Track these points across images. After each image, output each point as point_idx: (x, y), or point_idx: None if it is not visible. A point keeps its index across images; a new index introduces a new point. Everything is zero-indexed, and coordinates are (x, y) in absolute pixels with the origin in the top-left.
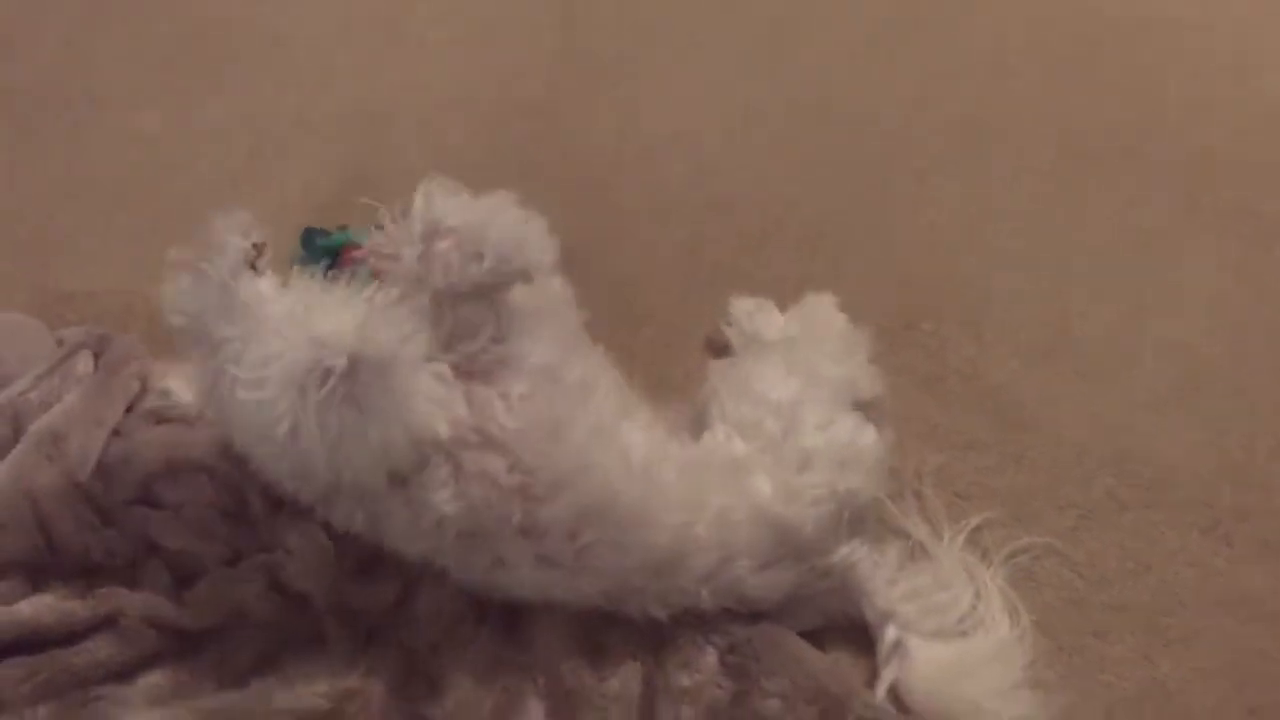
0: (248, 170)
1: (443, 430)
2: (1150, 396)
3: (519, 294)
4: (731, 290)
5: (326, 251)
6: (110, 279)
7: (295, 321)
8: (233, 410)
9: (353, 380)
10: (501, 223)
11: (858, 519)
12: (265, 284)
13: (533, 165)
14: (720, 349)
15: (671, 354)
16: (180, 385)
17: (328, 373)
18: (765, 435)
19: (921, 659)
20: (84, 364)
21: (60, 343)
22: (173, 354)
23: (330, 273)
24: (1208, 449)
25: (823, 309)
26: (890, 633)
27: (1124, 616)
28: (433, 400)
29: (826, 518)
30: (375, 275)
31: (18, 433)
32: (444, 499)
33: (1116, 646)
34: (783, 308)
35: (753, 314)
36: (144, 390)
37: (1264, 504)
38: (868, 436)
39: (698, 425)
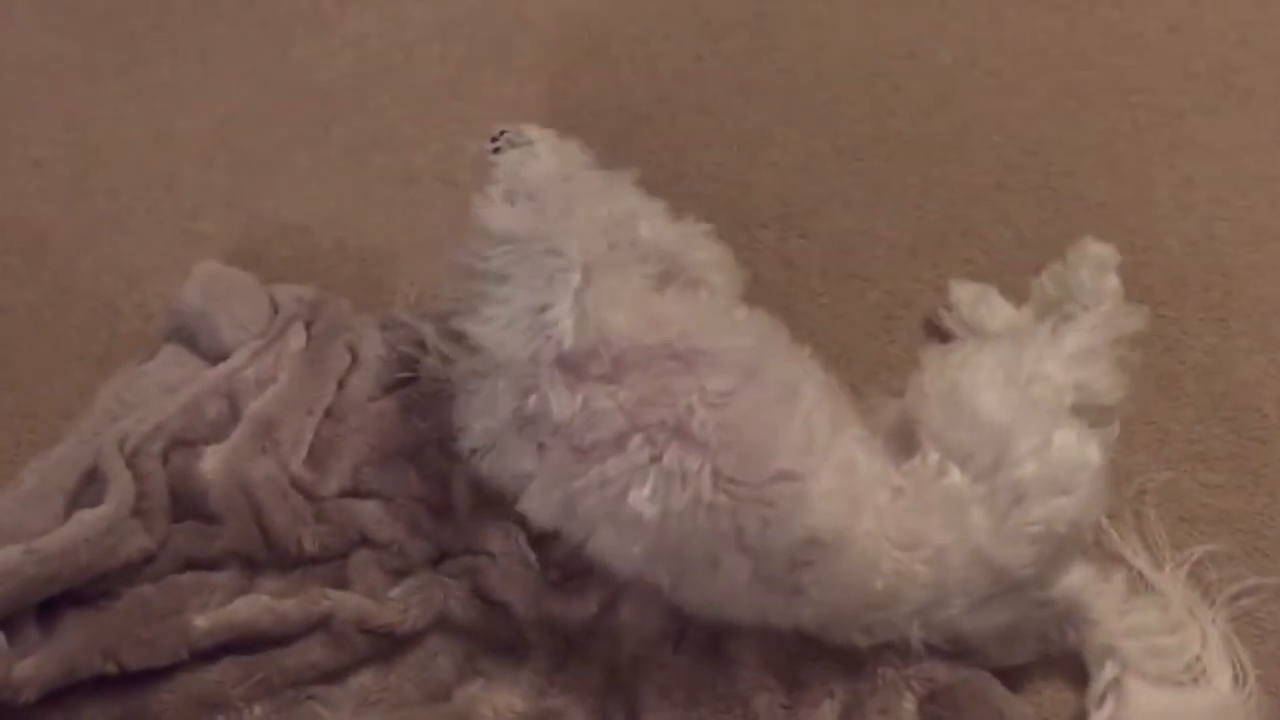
0: (463, 77)
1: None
2: None
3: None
4: (961, 249)
5: None
6: (323, 205)
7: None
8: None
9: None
10: None
11: (1079, 540)
12: None
13: (749, 88)
14: (941, 334)
15: (893, 325)
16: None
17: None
18: (978, 464)
19: (1138, 703)
20: (296, 339)
21: (274, 304)
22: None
23: None
24: None
25: (1096, 267)
26: (1108, 670)
27: None
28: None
29: (1047, 552)
30: None
31: (234, 410)
32: (642, 496)
33: None
34: (1014, 268)
35: (974, 303)
36: (355, 361)
37: None
38: (1090, 454)
39: (902, 430)
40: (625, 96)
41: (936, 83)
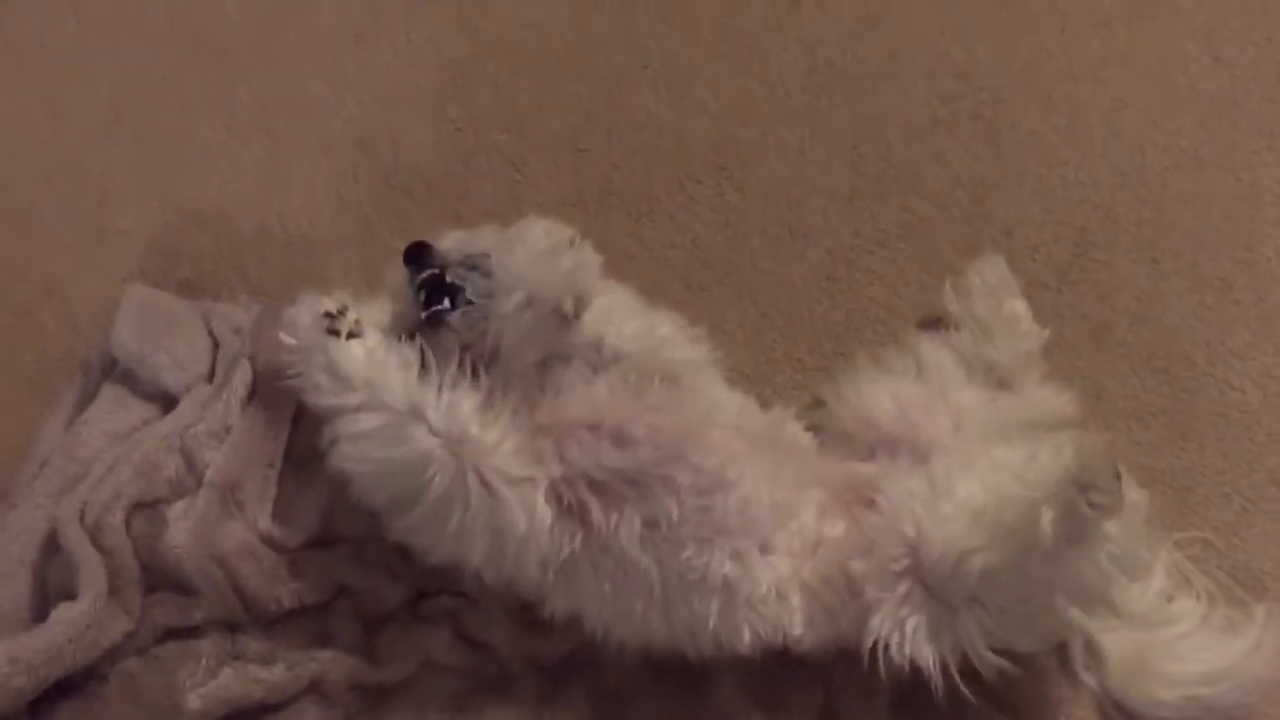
0: (366, 18)
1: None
2: None
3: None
4: (899, 195)
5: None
6: (240, 186)
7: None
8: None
9: None
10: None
11: None
12: (357, 347)
13: (673, 15)
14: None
15: (834, 288)
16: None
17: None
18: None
19: (1115, 653)
20: (243, 382)
21: (212, 335)
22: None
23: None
24: None
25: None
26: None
27: None
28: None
29: None
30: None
31: (190, 465)
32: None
33: None
34: (951, 214)
35: (994, 289)
36: None
37: None
38: None
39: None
40: (545, 31)
41: (863, 1)
